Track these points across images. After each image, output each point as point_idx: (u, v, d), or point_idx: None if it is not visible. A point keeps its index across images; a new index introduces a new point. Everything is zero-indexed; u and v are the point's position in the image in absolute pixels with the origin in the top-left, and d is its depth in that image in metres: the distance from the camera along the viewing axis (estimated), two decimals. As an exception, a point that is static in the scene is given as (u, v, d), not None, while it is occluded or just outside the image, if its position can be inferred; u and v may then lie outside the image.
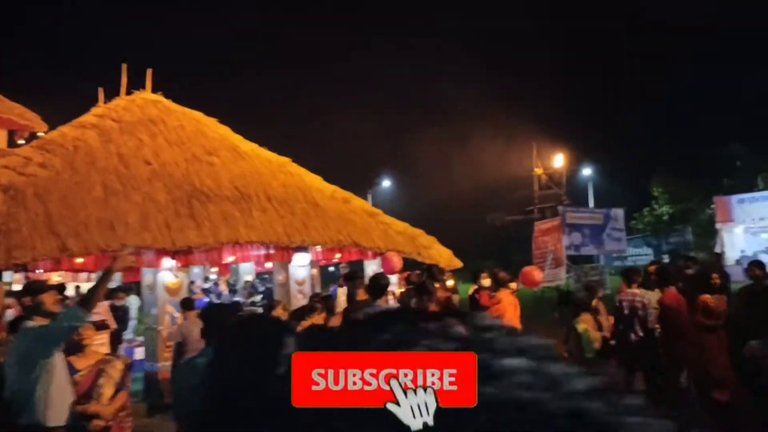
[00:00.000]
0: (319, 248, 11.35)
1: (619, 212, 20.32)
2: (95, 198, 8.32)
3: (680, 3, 37.12)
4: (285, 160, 12.42)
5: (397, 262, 9.83)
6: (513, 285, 6.94)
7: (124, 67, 11.76)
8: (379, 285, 4.79)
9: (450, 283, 9.92)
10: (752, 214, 20.36)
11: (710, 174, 25.18)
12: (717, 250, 20.21)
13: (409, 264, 15.12)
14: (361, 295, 5.18)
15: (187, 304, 7.57)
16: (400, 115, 49.68)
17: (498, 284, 6.68)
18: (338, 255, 12.34)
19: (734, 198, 20.97)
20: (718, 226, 20.88)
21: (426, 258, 12.73)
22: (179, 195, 9.37)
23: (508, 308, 6.38)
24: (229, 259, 10.35)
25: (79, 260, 8.68)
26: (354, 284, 5.61)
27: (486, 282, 7.66)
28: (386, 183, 37.74)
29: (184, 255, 9.11)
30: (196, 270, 18.10)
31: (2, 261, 6.88)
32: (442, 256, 12.96)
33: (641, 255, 26.28)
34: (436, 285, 5.53)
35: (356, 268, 12.65)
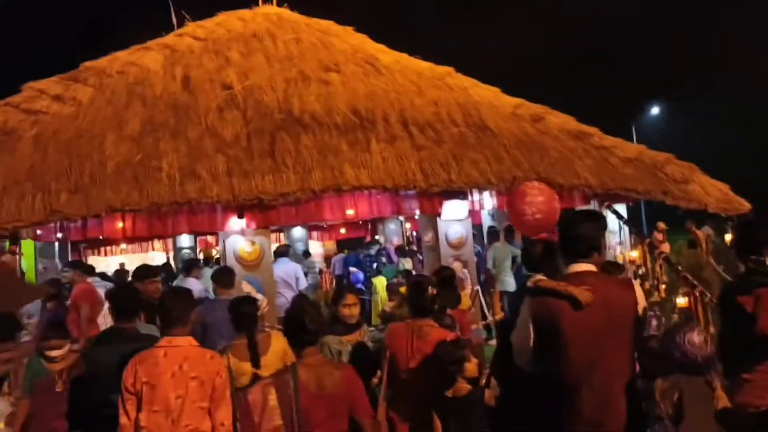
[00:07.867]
0: (485, 193, 7.50)
1: None
2: (125, 138, 5.93)
3: None
4: (445, 70, 8.71)
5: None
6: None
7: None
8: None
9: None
10: None
11: None
12: None
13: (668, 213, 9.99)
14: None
15: None
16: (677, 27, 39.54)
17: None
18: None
19: None
20: None
21: (680, 198, 7.91)
22: (261, 126, 6.52)
23: None
24: (348, 212, 7.18)
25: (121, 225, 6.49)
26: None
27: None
28: (654, 111, 30.69)
29: (260, 212, 6.27)
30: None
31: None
32: (710, 194, 7.90)
33: None
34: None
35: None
